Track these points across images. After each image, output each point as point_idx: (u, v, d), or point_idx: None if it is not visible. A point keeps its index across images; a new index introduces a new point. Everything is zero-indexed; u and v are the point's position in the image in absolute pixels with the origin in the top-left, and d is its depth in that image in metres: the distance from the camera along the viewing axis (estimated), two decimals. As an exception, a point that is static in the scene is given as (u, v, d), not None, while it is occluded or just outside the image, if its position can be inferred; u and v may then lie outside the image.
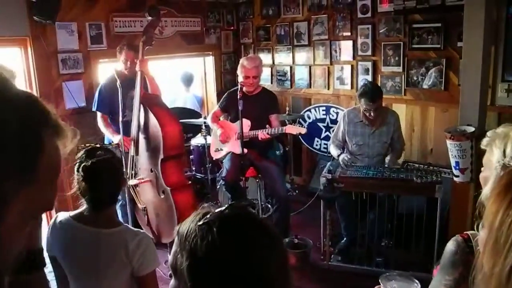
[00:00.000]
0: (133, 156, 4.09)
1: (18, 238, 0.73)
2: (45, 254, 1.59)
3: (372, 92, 4.06)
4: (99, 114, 4.42)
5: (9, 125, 0.64)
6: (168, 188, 3.93)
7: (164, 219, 4.05)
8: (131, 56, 4.30)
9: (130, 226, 2.10)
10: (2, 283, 0.69)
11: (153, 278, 2.05)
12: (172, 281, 1.00)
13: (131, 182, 4.07)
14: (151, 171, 4.05)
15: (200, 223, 0.93)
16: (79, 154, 1.99)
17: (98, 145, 2.07)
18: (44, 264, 1.55)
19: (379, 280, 1.29)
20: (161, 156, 3.93)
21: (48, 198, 0.76)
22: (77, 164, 1.97)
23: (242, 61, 4.49)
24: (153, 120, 3.96)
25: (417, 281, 1.25)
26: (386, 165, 4.05)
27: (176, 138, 4.03)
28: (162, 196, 3.98)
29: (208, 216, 0.95)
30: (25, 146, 0.66)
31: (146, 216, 4.14)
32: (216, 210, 0.97)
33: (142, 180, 4.07)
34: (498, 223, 0.97)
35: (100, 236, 1.98)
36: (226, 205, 0.99)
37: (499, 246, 0.95)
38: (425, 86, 4.93)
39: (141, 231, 2.09)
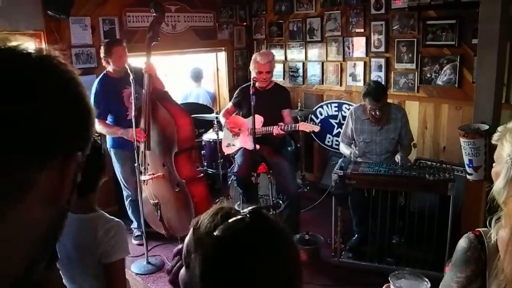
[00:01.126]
0: (143, 151, 4.12)
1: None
2: None
3: (376, 92, 4.02)
4: (96, 120, 4.31)
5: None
6: (183, 181, 4.00)
7: (179, 212, 4.08)
8: (122, 50, 4.17)
9: (106, 214, 2.09)
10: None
11: (119, 267, 2.04)
12: (183, 272, 1.00)
13: (143, 177, 4.10)
14: (164, 165, 4.08)
15: (216, 232, 0.91)
16: None
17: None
18: (58, 257, 1.57)
19: (389, 278, 1.29)
20: (175, 150, 3.99)
21: None
22: None
23: (255, 56, 4.49)
24: (165, 114, 4.00)
25: (426, 279, 1.24)
26: (399, 164, 4.00)
27: (189, 131, 4.12)
28: (177, 189, 4.03)
29: (223, 224, 0.92)
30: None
31: (158, 211, 4.17)
32: (234, 219, 0.93)
33: (154, 175, 4.10)
34: None
35: (76, 222, 1.99)
36: (246, 211, 0.96)
37: None
38: (438, 83, 4.89)
39: (115, 219, 2.09)
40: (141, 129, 4.02)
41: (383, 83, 4.95)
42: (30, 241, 0.65)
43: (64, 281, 2.03)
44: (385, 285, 1.32)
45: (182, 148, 4.04)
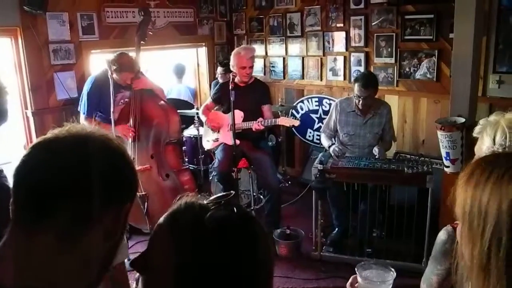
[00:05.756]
0: (131, 143, 4.17)
1: None
2: None
3: (366, 79, 4.10)
4: (83, 116, 4.29)
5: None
6: (172, 171, 4.19)
7: (168, 203, 4.09)
8: (129, 75, 4.16)
9: None
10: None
11: (121, 270, 2.03)
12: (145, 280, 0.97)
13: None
14: (152, 157, 4.21)
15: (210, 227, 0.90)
16: None
17: None
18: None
19: (355, 269, 1.31)
20: (167, 140, 4.22)
21: None
22: None
23: (239, 50, 4.48)
24: (156, 107, 4.23)
25: (393, 269, 1.26)
26: (376, 156, 4.05)
27: (178, 123, 4.34)
28: (166, 180, 4.16)
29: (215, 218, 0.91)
30: None
31: (145, 204, 4.17)
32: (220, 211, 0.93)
33: (142, 167, 4.12)
34: (469, 207, 0.97)
35: None
36: (214, 201, 0.96)
37: (474, 229, 0.95)
38: (417, 77, 4.94)
39: None
40: (129, 125, 4.16)
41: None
42: (92, 265, 0.91)
43: None
44: (352, 276, 1.34)
45: (171, 139, 4.25)
